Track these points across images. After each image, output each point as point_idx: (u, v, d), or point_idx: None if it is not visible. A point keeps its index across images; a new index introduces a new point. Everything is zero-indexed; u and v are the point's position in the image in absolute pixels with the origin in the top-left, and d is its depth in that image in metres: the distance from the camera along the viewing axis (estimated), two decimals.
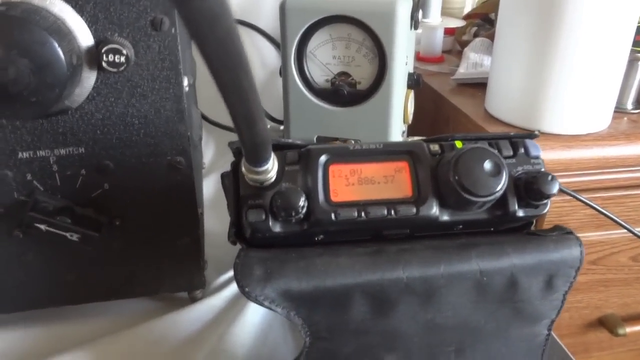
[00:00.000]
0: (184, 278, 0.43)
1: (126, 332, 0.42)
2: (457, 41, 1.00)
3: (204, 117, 0.70)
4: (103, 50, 0.33)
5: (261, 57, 0.78)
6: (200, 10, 0.15)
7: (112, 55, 0.33)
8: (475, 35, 0.95)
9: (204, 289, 0.45)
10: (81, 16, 0.33)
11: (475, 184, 0.28)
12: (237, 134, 0.23)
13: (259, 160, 0.26)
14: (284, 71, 0.52)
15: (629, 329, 0.75)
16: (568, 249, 0.30)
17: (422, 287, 0.28)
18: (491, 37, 0.73)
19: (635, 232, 0.39)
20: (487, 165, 0.28)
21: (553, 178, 0.29)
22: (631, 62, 0.68)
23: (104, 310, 0.44)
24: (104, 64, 0.33)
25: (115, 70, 0.34)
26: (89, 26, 0.34)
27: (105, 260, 0.40)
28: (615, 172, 0.64)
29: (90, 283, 0.41)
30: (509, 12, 0.64)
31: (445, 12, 0.95)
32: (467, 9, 1.06)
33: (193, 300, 0.45)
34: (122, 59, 0.34)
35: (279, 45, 0.69)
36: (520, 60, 0.62)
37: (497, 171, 0.28)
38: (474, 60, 0.82)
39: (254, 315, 0.42)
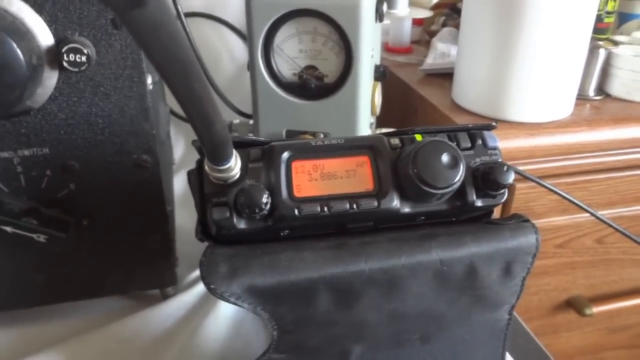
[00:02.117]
0: (155, 275, 0.43)
1: (98, 331, 0.42)
2: (425, 31, 1.01)
3: (173, 113, 0.69)
4: (63, 50, 0.33)
5: (229, 51, 0.78)
6: (142, 18, 0.15)
7: (73, 55, 0.33)
8: (444, 25, 0.96)
9: (175, 285, 0.45)
10: (40, 15, 0.33)
11: (434, 177, 0.29)
12: (197, 135, 0.23)
13: (220, 159, 0.26)
14: (251, 66, 0.52)
15: (595, 309, 0.78)
16: (524, 237, 0.31)
17: (384, 278, 0.29)
18: (459, 27, 0.74)
19: (599, 215, 0.41)
20: (445, 157, 0.29)
21: (509, 168, 0.30)
22: (592, 50, 0.70)
23: (75, 310, 0.44)
24: (64, 64, 0.33)
25: (76, 69, 0.33)
26: (48, 25, 0.33)
27: (74, 260, 0.40)
28: (578, 157, 0.66)
29: (60, 283, 0.41)
30: (472, 3, 0.65)
31: (414, 3, 0.96)
32: None
33: (165, 297, 0.45)
34: (83, 58, 0.33)
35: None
36: (484, 50, 0.63)
37: (454, 163, 0.29)
38: (442, 50, 0.83)
39: (225, 310, 0.43)
